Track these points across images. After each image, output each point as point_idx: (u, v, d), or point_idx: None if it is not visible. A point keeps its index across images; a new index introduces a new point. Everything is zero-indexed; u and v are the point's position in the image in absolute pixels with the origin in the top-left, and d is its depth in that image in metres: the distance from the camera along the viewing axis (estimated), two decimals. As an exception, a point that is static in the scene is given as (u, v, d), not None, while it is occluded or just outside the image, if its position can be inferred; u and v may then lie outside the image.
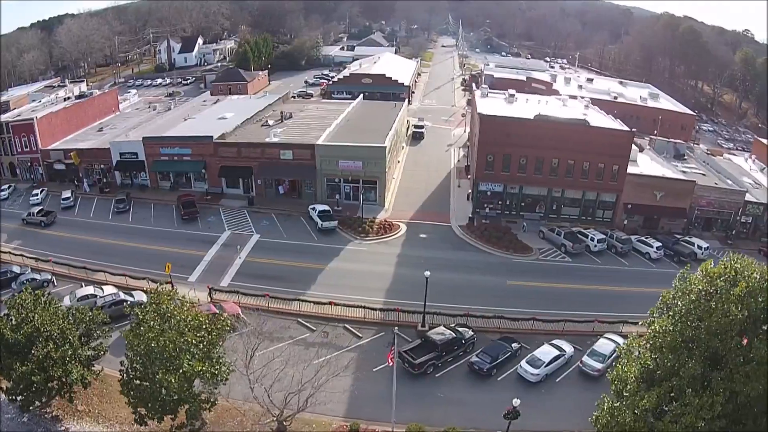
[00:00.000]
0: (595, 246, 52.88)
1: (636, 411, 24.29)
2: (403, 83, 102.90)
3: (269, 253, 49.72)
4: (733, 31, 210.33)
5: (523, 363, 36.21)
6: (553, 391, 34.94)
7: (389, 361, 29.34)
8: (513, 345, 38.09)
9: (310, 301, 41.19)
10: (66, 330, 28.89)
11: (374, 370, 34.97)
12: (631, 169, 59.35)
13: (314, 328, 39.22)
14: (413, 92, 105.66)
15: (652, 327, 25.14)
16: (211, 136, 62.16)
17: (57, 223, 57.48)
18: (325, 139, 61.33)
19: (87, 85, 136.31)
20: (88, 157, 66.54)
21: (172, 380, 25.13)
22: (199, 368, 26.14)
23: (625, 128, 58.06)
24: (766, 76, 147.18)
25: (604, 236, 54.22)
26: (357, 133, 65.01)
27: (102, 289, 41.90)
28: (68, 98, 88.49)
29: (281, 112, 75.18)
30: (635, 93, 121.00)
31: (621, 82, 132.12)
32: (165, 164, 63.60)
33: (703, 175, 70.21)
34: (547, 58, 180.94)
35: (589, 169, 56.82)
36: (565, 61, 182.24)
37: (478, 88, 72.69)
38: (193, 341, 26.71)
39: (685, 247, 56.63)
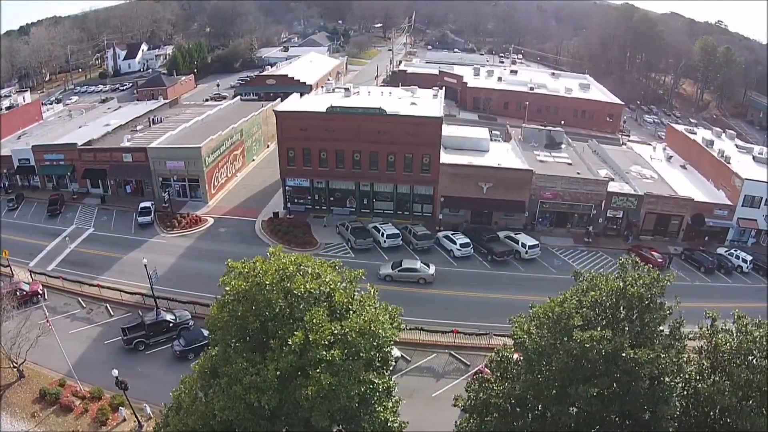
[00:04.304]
0: (384, 242, 50.90)
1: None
2: (305, 83, 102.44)
3: (93, 244, 54.15)
4: (704, 23, 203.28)
5: None
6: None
7: (47, 323, 35.43)
8: None
9: (86, 283, 45.98)
10: None
11: (105, 342, 39.91)
12: (447, 159, 56.50)
13: (85, 306, 44.22)
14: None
15: None
16: (75, 143, 67.10)
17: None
18: (162, 142, 64.44)
19: (37, 93, 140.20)
20: (-2, 163, 72.72)
21: None
22: None
23: (435, 115, 55.14)
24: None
25: (397, 231, 51.97)
26: (193, 134, 67.17)
27: None
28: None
29: (150, 118, 79.31)
30: (564, 84, 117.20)
31: (553, 74, 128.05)
32: (48, 168, 68.63)
33: (569, 164, 64.51)
34: (501, 54, 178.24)
35: (396, 160, 54.86)
36: (520, 56, 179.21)
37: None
38: None
39: (503, 245, 52.84)
